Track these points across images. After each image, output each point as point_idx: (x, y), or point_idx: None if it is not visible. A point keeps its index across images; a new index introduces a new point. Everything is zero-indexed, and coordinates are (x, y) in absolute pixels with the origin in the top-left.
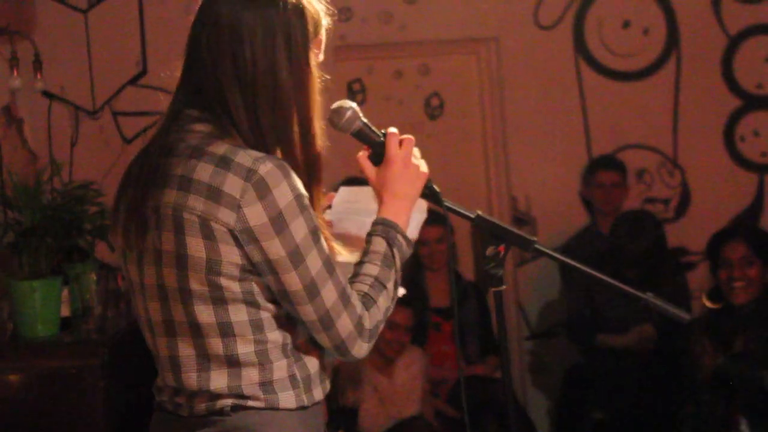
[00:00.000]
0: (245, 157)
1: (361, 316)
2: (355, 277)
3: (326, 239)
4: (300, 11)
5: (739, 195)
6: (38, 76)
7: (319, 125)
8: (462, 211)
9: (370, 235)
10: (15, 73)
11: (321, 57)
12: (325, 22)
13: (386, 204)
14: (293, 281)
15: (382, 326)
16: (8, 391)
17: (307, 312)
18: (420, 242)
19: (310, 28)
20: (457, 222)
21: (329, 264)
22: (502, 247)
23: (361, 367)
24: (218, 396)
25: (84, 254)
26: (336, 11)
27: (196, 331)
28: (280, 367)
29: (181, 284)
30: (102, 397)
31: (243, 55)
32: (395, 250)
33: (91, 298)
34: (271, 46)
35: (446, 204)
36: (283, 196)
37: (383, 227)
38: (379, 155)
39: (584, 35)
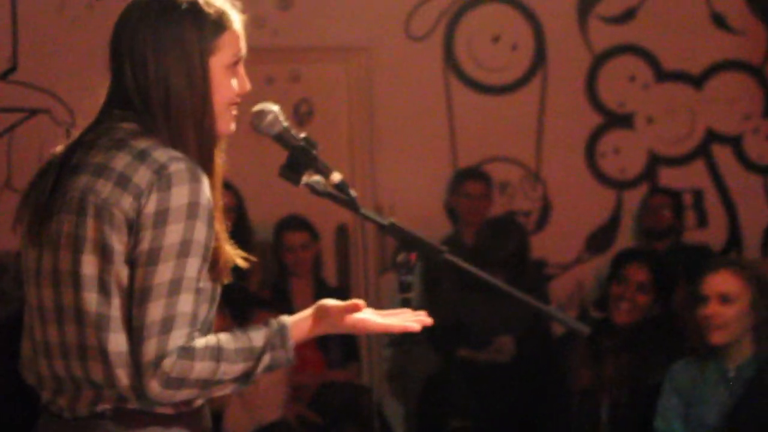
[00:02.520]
0: (163, 154)
1: (167, 354)
2: (210, 333)
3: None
4: (196, 14)
5: (599, 210)
6: None
7: (223, 126)
8: (375, 218)
9: (265, 323)
10: None
11: (243, 50)
12: (233, 18)
13: (308, 322)
14: (138, 277)
15: (191, 391)
16: None
17: (133, 316)
18: (285, 249)
19: (209, 29)
20: (322, 228)
21: (177, 286)
22: (413, 255)
23: None
24: (99, 393)
25: None
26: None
27: (79, 318)
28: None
29: (74, 267)
30: None
31: (137, 69)
32: (265, 358)
33: None
34: (162, 57)
35: (362, 211)
36: (178, 196)
37: (278, 333)
38: (296, 161)
39: (454, 48)
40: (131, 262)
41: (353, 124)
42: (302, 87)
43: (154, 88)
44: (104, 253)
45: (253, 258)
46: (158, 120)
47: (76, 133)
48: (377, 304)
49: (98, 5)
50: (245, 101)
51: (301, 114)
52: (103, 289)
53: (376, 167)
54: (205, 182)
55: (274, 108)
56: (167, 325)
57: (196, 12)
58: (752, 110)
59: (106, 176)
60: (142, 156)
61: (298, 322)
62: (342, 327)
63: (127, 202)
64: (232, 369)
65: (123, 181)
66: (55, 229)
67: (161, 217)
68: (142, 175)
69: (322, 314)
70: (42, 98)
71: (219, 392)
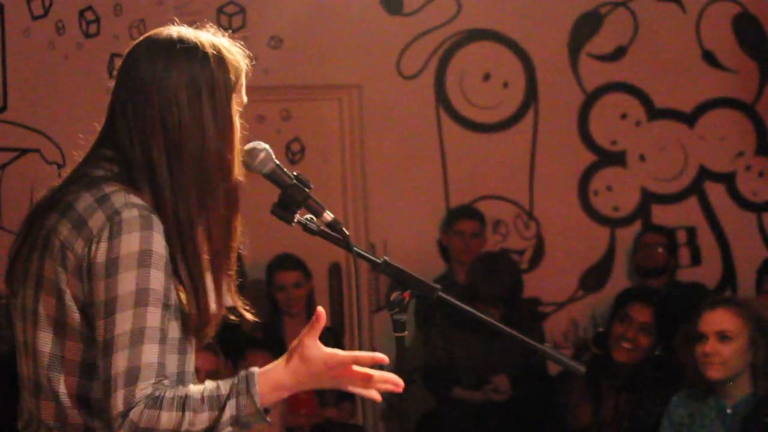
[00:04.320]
0: (120, 199)
1: (134, 405)
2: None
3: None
4: (221, 60)
5: (592, 248)
6: None
7: (239, 172)
8: (369, 256)
9: (237, 374)
10: None
11: (245, 99)
12: (245, 65)
13: (279, 365)
14: (99, 330)
15: None
16: None
17: (100, 368)
18: (278, 287)
19: (232, 76)
20: (315, 267)
21: (139, 335)
22: (407, 294)
23: None
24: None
25: None
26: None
27: (34, 356)
28: (103, 421)
29: (35, 306)
30: None
31: (171, 120)
32: (229, 406)
33: None
34: (198, 106)
35: (355, 249)
36: (128, 243)
37: (243, 379)
38: (288, 200)
39: (445, 86)
40: (86, 311)
41: (345, 162)
42: (294, 125)
43: (188, 139)
44: (58, 295)
45: (254, 319)
46: (185, 171)
47: (65, 173)
48: (371, 341)
49: (88, 44)
50: None
51: (293, 152)
52: (58, 330)
53: (368, 205)
54: (159, 230)
55: (266, 146)
56: (132, 376)
57: (222, 59)
58: (745, 147)
59: (69, 217)
60: (102, 200)
61: (269, 369)
62: (312, 363)
63: (79, 246)
64: (197, 418)
65: (79, 224)
66: (24, 267)
67: (113, 266)
68: (95, 220)
69: (290, 354)
70: (32, 138)
71: None
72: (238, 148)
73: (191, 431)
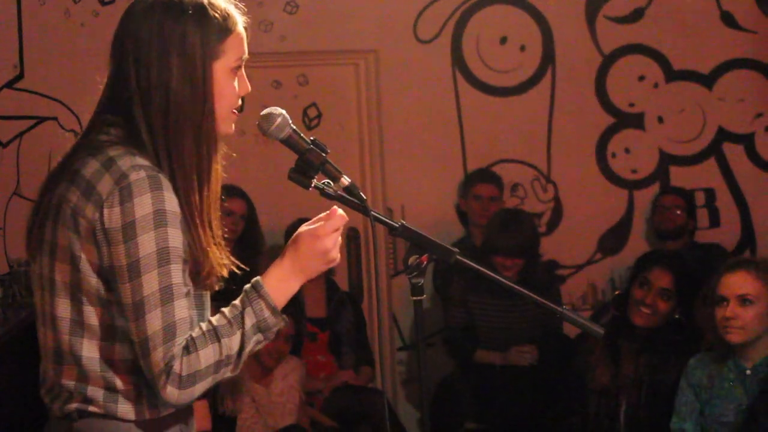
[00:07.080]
0: (126, 161)
1: (173, 358)
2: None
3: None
4: (201, 17)
5: (610, 210)
6: None
7: (216, 134)
8: (387, 220)
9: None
10: None
11: (246, 53)
12: (239, 17)
13: (281, 265)
14: (126, 294)
15: (206, 381)
16: None
17: (132, 331)
18: None
19: (213, 33)
20: None
21: (168, 292)
22: (425, 257)
23: (241, 377)
24: (70, 395)
25: None
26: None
27: (53, 323)
28: (125, 380)
29: (51, 274)
30: None
31: (140, 71)
32: (247, 314)
33: None
34: (165, 61)
35: (372, 213)
36: (142, 206)
37: (253, 290)
38: (305, 165)
39: (462, 50)
40: (104, 275)
41: (362, 127)
42: (311, 91)
43: (155, 91)
44: (72, 262)
45: (245, 268)
46: (156, 124)
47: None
48: (389, 306)
49: (104, 11)
50: (253, 106)
51: (309, 118)
52: (74, 296)
53: (385, 170)
54: (168, 188)
55: (282, 111)
56: (169, 332)
57: (201, 16)
58: (763, 108)
59: (77, 183)
60: (108, 163)
61: (270, 269)
62: (299, 238)
63: (90, 210)
64: (232, 341)
65: (88, 190)
66: (41, 236)
67: (130, 230)
68: (104, 184)
69: (290, 245)
70: (49, 105)
71: (228, 372)
72: (227, 107)
73: (231, 355)
